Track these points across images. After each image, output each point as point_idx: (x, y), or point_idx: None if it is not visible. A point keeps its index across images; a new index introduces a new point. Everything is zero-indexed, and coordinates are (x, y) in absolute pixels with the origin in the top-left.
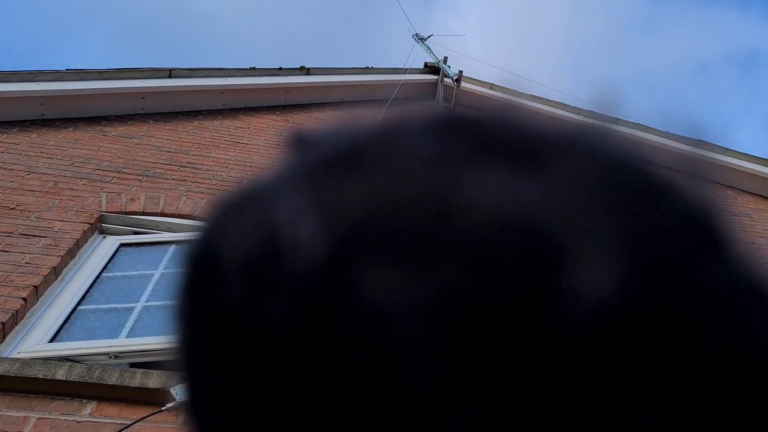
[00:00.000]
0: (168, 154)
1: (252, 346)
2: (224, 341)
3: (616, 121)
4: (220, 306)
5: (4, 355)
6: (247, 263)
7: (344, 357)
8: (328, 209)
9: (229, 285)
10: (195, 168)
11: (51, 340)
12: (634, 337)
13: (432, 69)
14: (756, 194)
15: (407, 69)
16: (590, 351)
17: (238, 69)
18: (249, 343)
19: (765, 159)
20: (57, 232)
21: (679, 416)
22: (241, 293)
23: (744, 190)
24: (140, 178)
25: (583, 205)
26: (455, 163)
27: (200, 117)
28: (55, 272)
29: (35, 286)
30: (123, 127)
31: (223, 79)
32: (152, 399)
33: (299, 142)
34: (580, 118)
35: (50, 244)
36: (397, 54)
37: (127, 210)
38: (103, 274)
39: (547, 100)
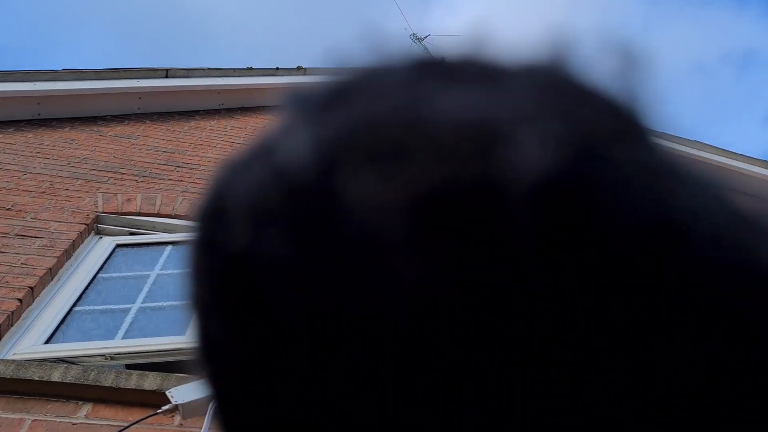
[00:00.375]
0: (164, 154)
1: (260, 285)
2: (234, 288)
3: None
4: (229, 250)
5: (0, 357)
6: (248, 202)
7: (343, 256)
8: (317, 135)
9: (234, 228)
10: (191, 168)
11: (47, 342)
12: (571, 201)
13: None
14: (755, 196)
15: None
16: (537, 208)
17: (234, 69)
18: (257, 282)
19: (760, 160)
20: (53, 232)
21: (610, 276)
22: (245, 232)
23: (743, 192)
24: (136, 178)
25: (527, 105)
26: (424, 85)
27: (197, 117)
28: (51, 273)
29: (31, 287)
30: (119, 127)
31: (220, 79)
32: (148, 401)
33: (293, 100)
34: None
35: (46, 245)
36: None
37: (123, 210)
38: (99, 275)
39: None
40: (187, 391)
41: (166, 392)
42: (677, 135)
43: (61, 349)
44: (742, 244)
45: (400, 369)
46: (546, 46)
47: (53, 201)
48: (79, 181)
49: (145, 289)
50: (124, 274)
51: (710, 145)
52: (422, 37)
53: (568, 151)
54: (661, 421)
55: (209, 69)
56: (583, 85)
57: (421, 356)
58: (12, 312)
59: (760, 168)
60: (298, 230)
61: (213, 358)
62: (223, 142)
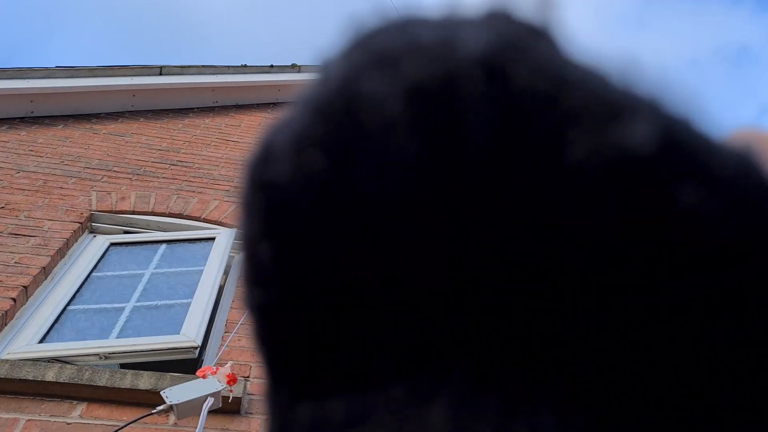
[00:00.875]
0: (159, 152)
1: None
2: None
3: None
4: (275, 181)
5: None
6: (290, 138)
7: (363, 137)
8: (344, 68)
9: (279, 161)
10: (186, 166)
11: (41, 341)
12: (501, 71)
13: None
14: None
15: None
16: (480, 79)
17: (229, 66)
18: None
19: None
20: (47, 231)
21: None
22: (289, 161)
23: None
24: (130, 176)
25: (474, 25)
26: (409, 26)
27: (191, 114)
28: (45, 272)
29: (25, 287)
30: (113, 125)
31: (214, 76)
32: (143, 400)
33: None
34: None
35: (40, 244)
36: None
37: (117, 209)
38: (93, 274)
39: None
40: (182, 392)
41: (161, 392)
42: None
43: (55, 348)
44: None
45: (388, 139)
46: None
47: (47, 199)
48: (73, 180)
49: (140, 287)
50: (118, 272)
51: None
52: None
53: (499, 41)
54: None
55: (203, 66)
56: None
57: (404, 127)
58: (6, 311)
59: None
60: (329, 149)
61: (261, 281)
62: (218, 139)
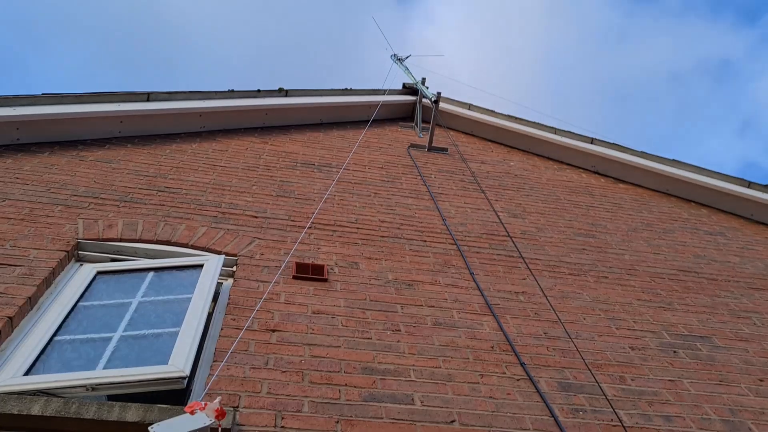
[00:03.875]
0: (146, 178)
1: None
2: None
3: (591, 140)
4: None
5: None
6: None
7: None
8: None
9: None
10: (173, 192)
11: (26, 373)
12: None
13: (410, 90)
14: (730, 213)
15: (386, 90)
16: None
17: (216, 92)
18: None
19: (739, 178)
20: (32, 260)
21: None
22: None
23: (718, 209)
24: (118, 203)
25: None
26: None
27: (178, 140)
28: (31, 302)
29: (10, 317)
30: (100, 152)
31: (202, 101)
32: None
33: None
34: (557, 138)
35: (25, 273)
36: (375, 70)
37: (104, 237)
38: (80, 303)
39: (524, 120)
40: (171, 427)
41: (149, 428)
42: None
43: (41, 380)
44: None
45: None
46: (566, 128)
47: (33, 228)
48: (59, 207)
49: (127, 317)
50: (105, 301)
51: (688, 164)
52: (403, 57)
53: None
54: None
55: (191, 92)
56: None
57: None
58: None
59: (736, 186)
60: None
61: None
62: (205, 164)
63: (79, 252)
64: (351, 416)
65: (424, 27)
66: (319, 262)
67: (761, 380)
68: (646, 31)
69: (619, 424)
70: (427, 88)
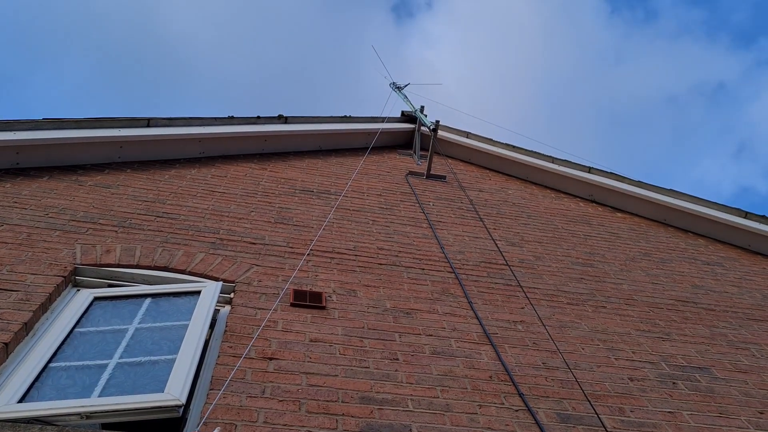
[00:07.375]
0: (144, 203)
1: None
2: None
3: (589, 169)
4: None
5: None
6: None
7: None
8: None
9: None
10: (171, 218)
11: (20, 400)
12: None
13: (409, 118)
14: (728, 243)
15: (385, 118)
16: None
17: (216, 118)
18: None
19: (736, 209)
20: (29, 285)
21: None
22: None
23: (716, 239)
24: (116, 228)
25: None
26: None
27: (177, 165)
28: (26, 328)
29: (5, 343)
30: (99, 176)
31: (201, 128)
32: None
33: None
34: (555, 166)
35: (22, 299)
36: (374, 93)
37: (101, 262)
38: (76, 329)
39: (522, 149)
40: None
41: None
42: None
43: (35, 408)
44: None
45: None
46: (563, 157)
47: (30, 253)
48: (57, 232)
49: (123, 343)
50: (101, 328)
51: (685, 194)
52: (402, 86)
53: None
54: None
55: (191, 118)
56: None
57: None
58: None
59: (733, 216)
60: None
61: None
62: (204, 190)
63: (77, 277)
64: None
65: (423, 47)
66: (317, 290)
67: (761, 413)
68: (643, 53)
69: None
70: (426, 116)
